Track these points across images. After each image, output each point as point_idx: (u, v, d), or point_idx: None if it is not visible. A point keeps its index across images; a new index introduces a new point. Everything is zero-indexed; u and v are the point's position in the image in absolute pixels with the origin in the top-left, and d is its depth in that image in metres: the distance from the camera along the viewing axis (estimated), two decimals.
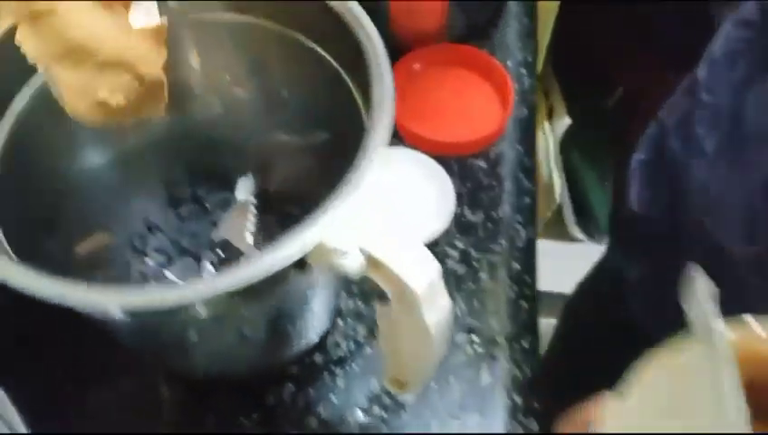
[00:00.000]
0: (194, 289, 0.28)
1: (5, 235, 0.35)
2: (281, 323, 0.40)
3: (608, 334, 0.68)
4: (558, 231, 1.26)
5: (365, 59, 0.34)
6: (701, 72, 0.52)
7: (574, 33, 1.02)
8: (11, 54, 0.32)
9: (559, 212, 1.24)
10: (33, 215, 0.40)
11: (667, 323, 0.55)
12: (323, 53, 0.39)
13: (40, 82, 0.37)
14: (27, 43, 0.31)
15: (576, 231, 1.29)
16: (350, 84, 0.40)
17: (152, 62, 0.33)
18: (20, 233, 0.37)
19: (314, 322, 0.44)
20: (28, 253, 0.38)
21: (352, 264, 0.30)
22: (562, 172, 1.23)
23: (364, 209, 0.30)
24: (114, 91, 0.33)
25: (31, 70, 0.36)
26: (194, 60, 0.45)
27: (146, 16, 0.34)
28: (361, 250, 0.30)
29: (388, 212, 0.30)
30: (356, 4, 0.35)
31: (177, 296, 0.28)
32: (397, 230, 0.30)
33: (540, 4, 0.69)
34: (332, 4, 0.36)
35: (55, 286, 0.28)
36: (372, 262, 0.30)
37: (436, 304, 0.31)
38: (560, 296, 0.81)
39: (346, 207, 0.29)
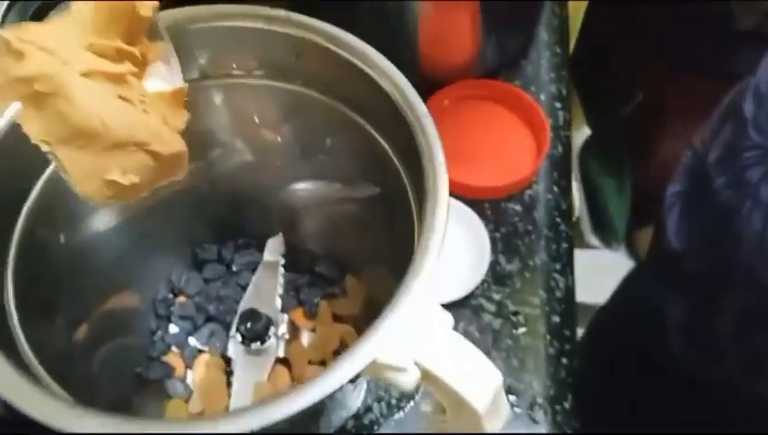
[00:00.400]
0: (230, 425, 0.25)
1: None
2: (319, 417, 0.38)
3: (646, 370, 0.66)
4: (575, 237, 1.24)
5: (417, 147, 0.31)
6: (748, 107, 0.49)
7: (595, 42, 0.99)
8: None
9: (576, 219, 1.22)
10: (51, 279, 0.38)
11: (712, 363, 0.53)
12: (371, 129, 0.36)
13: None
14: (30, 124, 0.28)
15: (593, 239, 1.28)
16: (390, 150, 0.37)
17: (169, 137, 0.30)
18: (38, 296, 0.35)
19: (352, 402, 0.42)
20: (46, 318, 0.36)
21: (408, 379, 0.27)
22: (581, 180, 1.22)
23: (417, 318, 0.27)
24: (127, 172, 0.30)
25: None
26: (223, 115, 0.42)
27: (163, 81, 0.31)
28: (417, 364, 0.27)
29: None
30: (412, 91, 0.32)
31: None
32: (455, 341, 0.28)
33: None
34: (387, 88, 0.33)
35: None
36: (429, 376, 0.28)
37: (497, 415, 0.29)
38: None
39: (400, 325, 0.27)
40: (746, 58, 0.91)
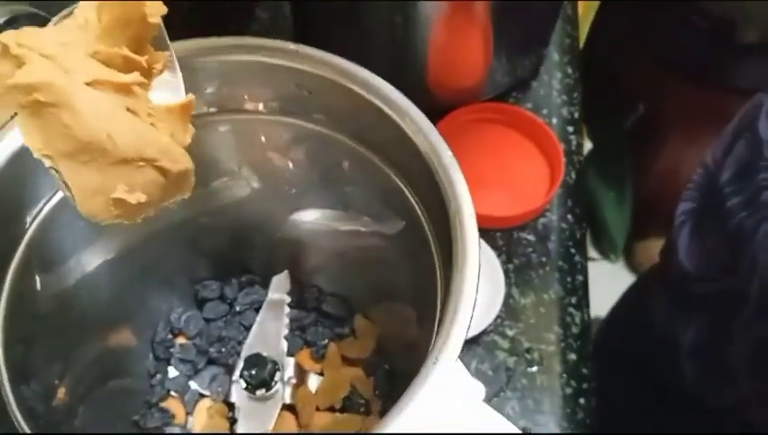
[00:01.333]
0: None
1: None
2: None
3: (651, 393, 0.65)
4: None
5: (440, 193, 0.29)
6: (763, 127, 0.47)
7: (598, 54, 0.98)
8: None
9: None
10: (44, 320, 0.36)
11: (725, 389, 0.51)
12: (385, 167, 0.34)
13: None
14: (30, 136, 0.25)
15: (591, 251, 1.26)
16: (405, 188, 0.35)
17: (176, 152, 0.28)
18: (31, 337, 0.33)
19: None
20: (38, 362, 0.34)
21: None
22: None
23: None
24: (133, 189, 0.27)
25: None
26: (230, 143, 0.39)
27: (170, 93, 0.29)
28: None
29: None
30: (435, 132, 0.30)
31: None
32: (486, 414, 0.26)
33: None
34: (405, 127, 0.30)
35: None
36: None
37: None
38: None
39: (429, 398, 0.24)
40: (750, 71, 0.90)
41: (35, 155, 0.26)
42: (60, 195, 0.33)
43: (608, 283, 0.83)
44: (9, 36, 0.25)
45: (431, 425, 0.25)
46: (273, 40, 0.33)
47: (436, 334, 0.26)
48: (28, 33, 0.26)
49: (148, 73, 0.28)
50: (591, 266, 1.01)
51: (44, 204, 0.33)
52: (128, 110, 0.26)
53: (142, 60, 0.27)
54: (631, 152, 1.16)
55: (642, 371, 0.67)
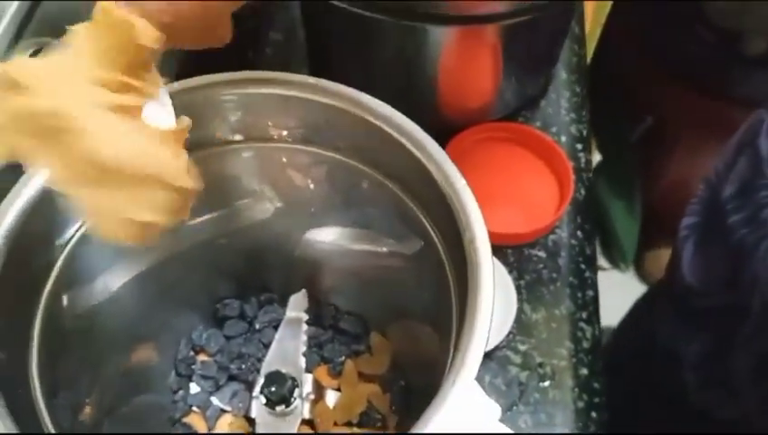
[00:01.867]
0: None
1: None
2: None
3: (657, 405, 0.65)
4: None
5: (455, 221, 0.30)
6: (764, 144, 0.48)
7: (607, 67, 0.99)
8: None
9: None
10: (73, 341, 0.37)
11: (728, 402, 0.52)
12: (401, 193, 0.35)
13: None
14: (42, 163, 0.26)
15: (601, 260, 1.27)
16: (420, 213, 0.36)
17: (181, 173, 0.29)
18: (60, 359, 0.35)
19: None
20: (69, 380, 0.36)
21: None
22: None
23: None
24: (144, 210, 0.28)
25: None
26: (252, 167, 0.41)
27: (162, 116, 0.29)
28: None
29: None
30: (448, 162, 0.31)
31: None
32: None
33: None
34: (418, 155, 0.32)
35: None
36: None
37: None
38: None
39: (446, 419, 0.26)
40: (756, 83, 0.91)
41: (48, 183, 0.26)
42: None
43: (618, 292, 0.84)
44: (13, 66, 0.26)
45: None
46: (292, 74, 0.34)
47: (453, 356, 0.27)
48: (29, 64, 0.26)
49: (143, 97, 0.28)
50: (601, 276, 1.02)
51: (77, 229, 0.35)
52: (133, 131, 0.27)
53: (138, 84, 0.28)
54: (640, 163, 1.17)
55: (648, 383, 0.68)
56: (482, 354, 0.26)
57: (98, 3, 0.27)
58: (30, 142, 0.26)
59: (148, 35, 0.27)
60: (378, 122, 0.34)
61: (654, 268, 1.28)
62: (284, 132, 0.36)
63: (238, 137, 0.37)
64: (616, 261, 1.31)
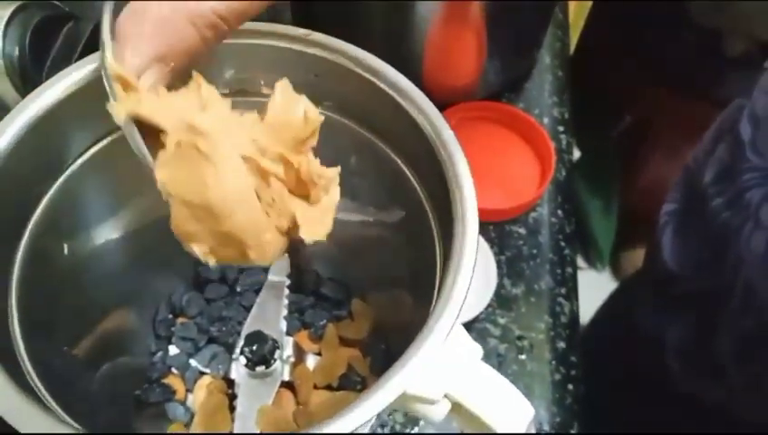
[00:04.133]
0: None
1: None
2: None
3: (639, 395, 0.66)
4: None
5: (442, 173, 0.31)
6: (745, 129, 0.49)
7: (587, 64, 1.00)
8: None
9: None
10: (53, 291, 0.37)
11: (712, 384, 0.53)
12: (390, 152, 0.36)
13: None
14: (163, 168, 0.26)
15: (577, 259, 1.28)
16: (410, 174, 0.37)
17: (269, 249, 0.28)
18: (40, 309, 0.34)
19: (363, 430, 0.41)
20: (47, 332, 0.35)
21: (438, 411, 0.27)
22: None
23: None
24: (210, 254, 0.28)
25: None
26: None
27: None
28: (447, 396, 0.27)
29: None
30: (439, 116, 0.32)
31: None
32: (486, 373, 0.27)
33: None
34: (410, 110, 0.32)
35: None
36: (459, 408, 0.27)
37: None
38: None
39: (430, 356, 0.26)
40: (735, 83, 0.93)
41: (158, 186, 0.26)
42: (84, 162, 0.35)
43: (594, 292, 0.85)
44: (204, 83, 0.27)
45: (432, 380, 0.26)
46: (285, 26, 0.35)
47: (437, 296, 0.27)
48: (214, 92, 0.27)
49: (295, 176, 0.28)
50: (578, 275, 1.03)
51: (68, 166, 0.34)
52: (256, 193, 0.27)
53: (295, 161, 0.27)
54: (618, 162, 1.18)
55: (629, 372, 0.69)
56: (466, 291, 0.27)
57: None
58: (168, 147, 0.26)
59: (311, 114, 0.28)
60: (367, 75, 0.34)
61: (630, 268, 1.29)
62: (269, 86, 0.36)
63: (233, 90, 0.37)
64: (592, 260, 1.32)
